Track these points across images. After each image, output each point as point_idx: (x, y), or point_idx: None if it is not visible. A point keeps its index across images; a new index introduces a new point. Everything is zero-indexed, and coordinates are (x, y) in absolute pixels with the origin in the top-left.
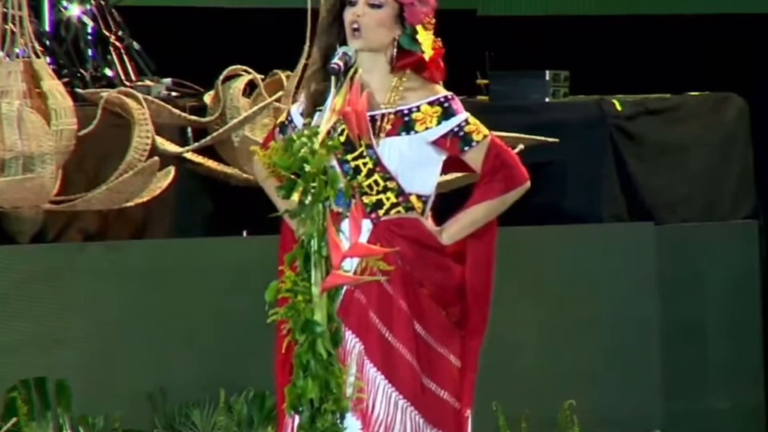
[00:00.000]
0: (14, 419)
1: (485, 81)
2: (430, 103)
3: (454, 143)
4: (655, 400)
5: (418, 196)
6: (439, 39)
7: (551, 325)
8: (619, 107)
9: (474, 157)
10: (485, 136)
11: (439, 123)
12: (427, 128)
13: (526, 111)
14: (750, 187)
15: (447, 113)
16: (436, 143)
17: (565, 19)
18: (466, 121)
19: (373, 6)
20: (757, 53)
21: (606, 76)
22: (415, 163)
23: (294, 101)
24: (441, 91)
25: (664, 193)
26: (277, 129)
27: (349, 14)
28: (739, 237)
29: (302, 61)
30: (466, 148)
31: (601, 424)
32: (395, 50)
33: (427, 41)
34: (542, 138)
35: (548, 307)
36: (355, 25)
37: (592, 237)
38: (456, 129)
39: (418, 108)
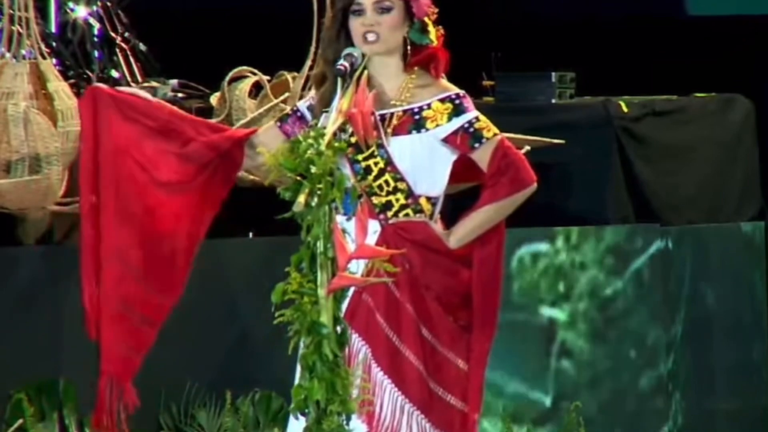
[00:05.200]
0: (21, 421)
1: (491, 82)
2: (441, 100)
3: (465, 140)
4: (661, 400)
5: (428, 198)
6: (440, 27)
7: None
8: (625, 108)
9: (483, 156)
10: (495, 134)
11: (449, 120)
12: (437, 125)
13: (532, 112)
14: (756, 188)
15: (458, 110)
16: (447, 141)
17: (571, 20)
18: (477, 119)
19: (383, 11)
20: (763, 54)
21: (612, 77)
22: (425, 163)
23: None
24: (452, 89)
25: (670, 195)
26: (278, 123)
27: (358, 24)
28: (745, 238)
29: (308, 63)
30: (476, 145)
31: (606, 425)
32: (408, 47)
33: (433, 31)
34: (548, 139)
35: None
36: (371, 36)
37: (598, 238)
38: (466, 125)
39: (429, 105)
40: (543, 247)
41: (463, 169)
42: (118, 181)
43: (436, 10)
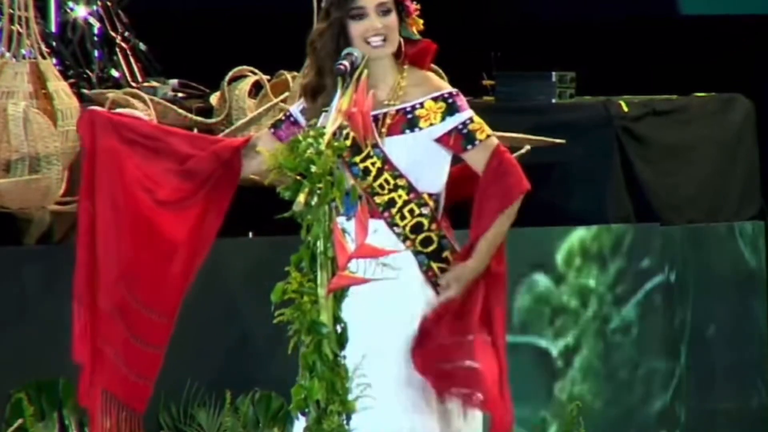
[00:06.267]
0: (21, 420)
1: (491, 82)
2: (434, 99)
3: (458, 141)
4: (661, 401)
5: (429, 195)
6: (419, 18)
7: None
8: (625, 108)
9: (475, 157)
10: (488, 136)
11: (443, 119)
12: (431, 125)
13: (532, 112)
14: (756, 188)
15: (451, 109)
16: (440, 141)
17: (570, 20)
18: (471, 119)
19: (385, 13)
20: (763, 54)
21: (612, 77)
22: (423, 159)
23: None
24: (445, 87)
25: (670, 194)
26: (272, 129)
27: (361, 28)
28: (745, 238)
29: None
30: (468, 147)
31: (607, 425)
32: (402, 43)
33: (417, 23)
34: (548, 139)
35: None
36: (378, 40)
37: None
38: (460, 126)
39: (422, 104)
40: (542, 279)
41: (461, 181)
42: (116, 199)
43: (419, 6)
